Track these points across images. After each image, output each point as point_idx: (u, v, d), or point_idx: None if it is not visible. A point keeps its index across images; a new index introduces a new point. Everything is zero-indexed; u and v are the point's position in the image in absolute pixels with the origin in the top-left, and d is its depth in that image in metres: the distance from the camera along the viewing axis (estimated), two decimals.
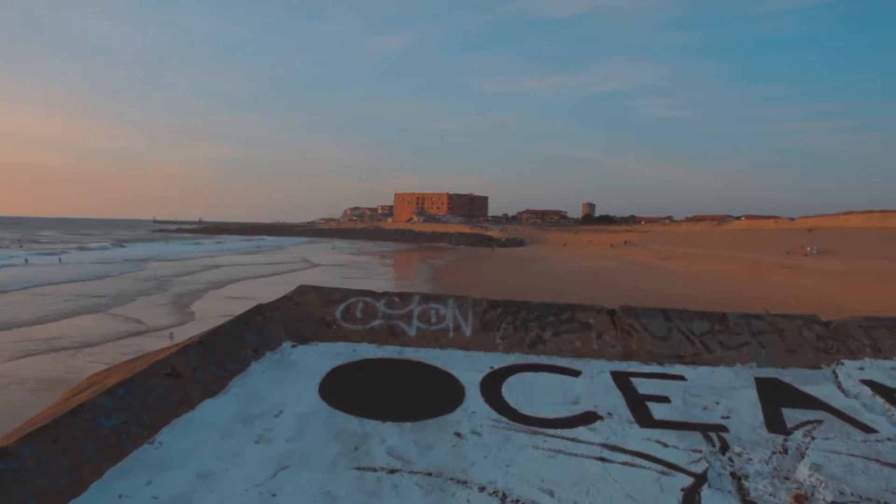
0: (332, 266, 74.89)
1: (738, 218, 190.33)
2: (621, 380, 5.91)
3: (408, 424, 4.92)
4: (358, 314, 6.43)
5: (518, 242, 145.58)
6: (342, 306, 6.50)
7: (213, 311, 34.96)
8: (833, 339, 6.67)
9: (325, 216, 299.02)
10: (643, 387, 5.77)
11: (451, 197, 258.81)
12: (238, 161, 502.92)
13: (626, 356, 6.32)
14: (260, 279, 56.92)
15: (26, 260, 70.14)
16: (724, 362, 6.37)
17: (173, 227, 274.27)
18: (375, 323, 6.34)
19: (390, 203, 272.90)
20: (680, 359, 6.34)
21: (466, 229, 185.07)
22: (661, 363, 6.30)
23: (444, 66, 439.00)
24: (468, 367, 5.91)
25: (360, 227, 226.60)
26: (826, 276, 54.44)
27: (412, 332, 6.32)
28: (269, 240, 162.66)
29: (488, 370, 5.90)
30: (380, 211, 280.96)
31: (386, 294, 6.69)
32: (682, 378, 6.05)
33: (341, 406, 5.15)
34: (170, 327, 28.95)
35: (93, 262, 71.47)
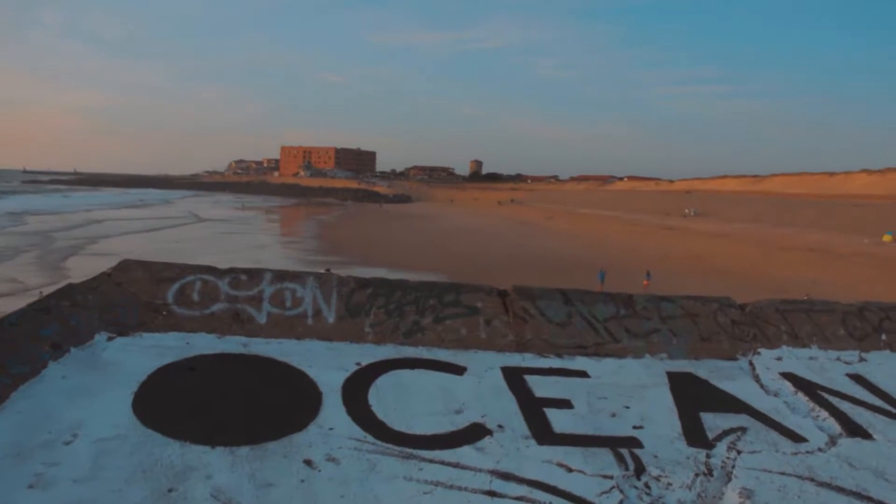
0: (218, 221, 71.94)
1: (621, 179, 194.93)
2: (514, 378, 4.90)
3: (244, 451, 3.74)
4: (195, 296, 5.12)
5: (406, 199, 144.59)
6: (176, 286, 5.17)
7: (94, 269, 32.54)
8: (749, 326, 5.87)
9: (208, 169, 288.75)
10: (540, 388, 4.77)
11: (338, 151, 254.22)
12: (116, 109, 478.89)
13: (520, 346, 5.31)
14: (145, 234, 53.92)
15: None
16: (632, 353, 5.46)
17: (46, 177, 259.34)
18: (217, 307, 5.05)
19: (276, 157, 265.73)
20: (582, 349, 5.38)
21: (354, 185, 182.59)
22: (560, 355, 5.32)
23: (329, 15, 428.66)
24: (329, 364, 4.77)
25: (246, 180, 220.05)
26: (702, 236, 55.96)
27: (262, 319, 5.08)
28: (154, 193, 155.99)
29: (354, 368, 4.76)
30: (266, 164, 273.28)
31: (231, 271, 5.36)
32: (584, 374, 5.10)
33: (160, 425, 3.91)
34: (46, 286, 26.73)
35: None
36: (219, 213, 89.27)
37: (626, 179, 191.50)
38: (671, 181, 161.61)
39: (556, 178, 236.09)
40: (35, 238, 47.21)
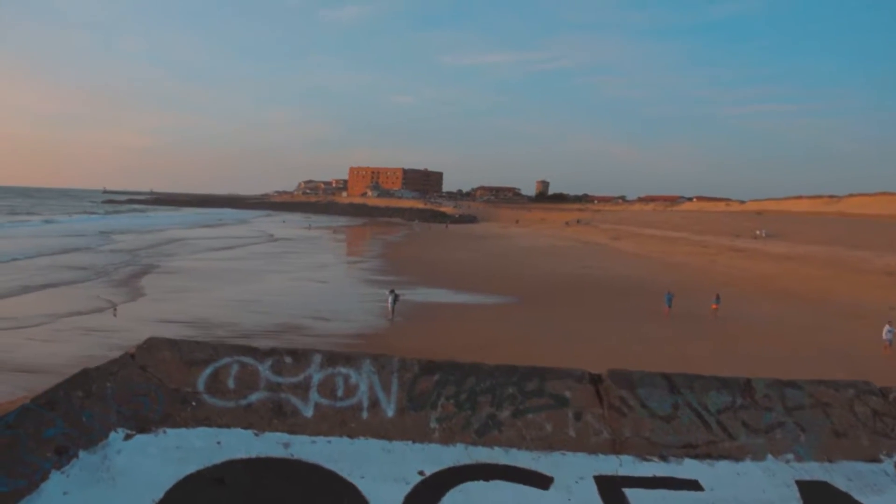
0: (288, 240, 72.25)
1: (689, 199, 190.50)
2: (611, 492, 3.93)
3: None
4: (231, 383, 4.26)
5: (471, 219, 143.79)
6: (209, 371, 4.33)
7: (172, 287, 33.07)
8: (894, 417, 4.76)
9: (278, 189, 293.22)
10: None
11: (406, 172, 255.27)
12: (189, 131, 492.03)
13: (617, 446, 4.33)
14: (223, 252, 54.32)
15: None
16: (752, 454, 4.42)
17: (124, 197, 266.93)
18: (255, 397, 4.17)
19: (345, 177, 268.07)
20: (691, 450, 4.37)
21: (421, 205, 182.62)
22: (664, 457, 4.32)
23: (401, 39, 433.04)
24: (386, 474, 3.87)
25: (314, 200, 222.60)
26: (774, 259, 53.62)
27: (308, 412, 4.19)
28: (230, 213, 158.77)
29: (416, 480, 3.84)
30: (334, 185, 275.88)
31: (273, 353, 4.49)
32: (696, 486, 4.10)
33: None
34: (125, 303, 26.83)
35: (64, 234, 68.11)
36: (288, 232, 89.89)
37: (694, 200, 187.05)
38: (741, 202, 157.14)
39: (622, 198, 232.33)
40: (124, 256, 47.89)
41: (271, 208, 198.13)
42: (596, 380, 4.75)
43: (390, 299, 27.06)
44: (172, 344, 4.58)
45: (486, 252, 65.21)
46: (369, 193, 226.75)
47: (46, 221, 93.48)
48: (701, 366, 19.45)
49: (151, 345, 4.57)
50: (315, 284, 36.89)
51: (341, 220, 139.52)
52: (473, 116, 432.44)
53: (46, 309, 26.18)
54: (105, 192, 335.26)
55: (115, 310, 25.85)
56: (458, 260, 55.27)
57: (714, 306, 30.03)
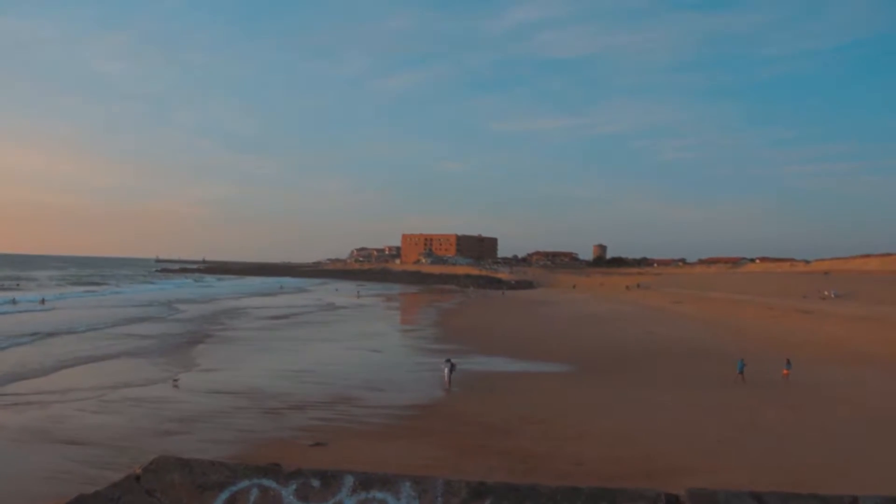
0: (342, 308, 72.45)
1: (752, 260, 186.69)
2: None
3: None
4: None
5: (528, 285, 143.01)
6: (223, 496, 3.89)
7: (229, 356, 33.29)
8: None
9: (331, 256, 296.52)
10: None
11: (459, 238, 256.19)
12: (241, 200, 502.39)
13: None
14: (276, 321, 54.59)
15: (43, 300, 68.51)
16: None
17: (176, 266, 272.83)
18: None
19: (398, 244, 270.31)
20: None
21: (475, 271, 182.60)
22: None
23: (450, 106, 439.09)
24: None
25: (367, 268, 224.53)
26: (845, 320, 51.66)
27: None
28: (284, 281, 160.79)
29: None
30: (387, 252, 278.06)
31: (298, 475, 4.02)
32: None
33: None
34: (182, 372, 26.82)
35: (129, 304, 69.69)
36: (340, 300, 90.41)
37: (757, 261, 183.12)
38: (806, 261, 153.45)
39: (682, 261, 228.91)
40: (183, 326, 48.49)
41: (324, 276, 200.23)
42: (672, 502, 4.19)
43: (446, 369, 26.59)
44: (184, 464, 4.16)
45: (544, 318, 64.42)
46: (423, 260, 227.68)
47: (111, 292, 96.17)
48: (776, 434, 18.51)
49: (160, 465, 4.16)
50: (369, 353, 36.62)
51: (395, 288, 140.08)
52: (527, 182, 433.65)
53: (101, 379, 26.48)
54: (158, 260, 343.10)
55: (177, 381, 25.79)
56: (516, 327, 54.62)
57: (785, 371, 28.87)
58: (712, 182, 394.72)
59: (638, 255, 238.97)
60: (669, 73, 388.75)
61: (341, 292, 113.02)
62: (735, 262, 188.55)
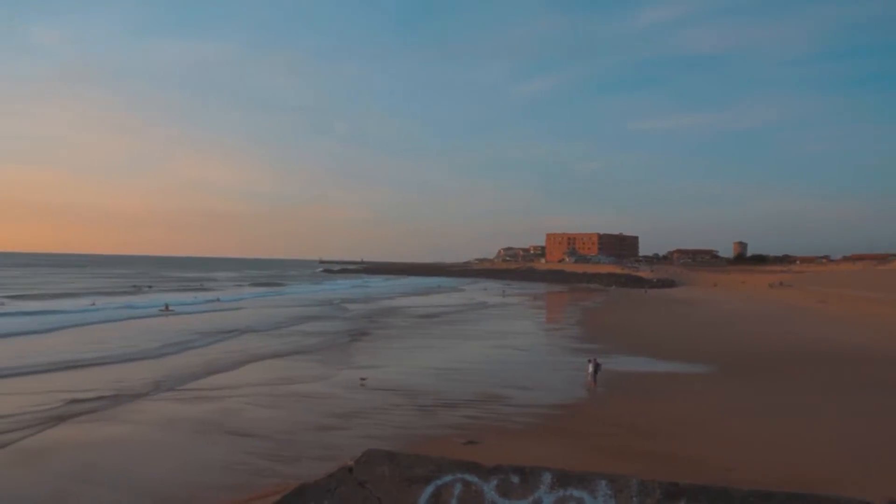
0: (490, 307, 72.51)
1: None
2: None
3: None
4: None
5: (669, 283, 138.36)
6: (430, 490, 3.75)
7: (384, 354, 33.86)
8: None
9: (479, 256, 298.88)
10: None
11: (601, 237, 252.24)
12: (394, 203, 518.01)
13: None
14: (429, 319, 55.34)
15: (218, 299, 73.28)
16: None
17: (337, 266, 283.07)
18: None
19: (542, 243, 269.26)
20: None
21: (617, 270, 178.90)
22: None
23: (588, 106, 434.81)
24: None
25: (514, 267, 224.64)
26: None
27: None
28: (438, 280, 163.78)
29: None
30: (532, 251, 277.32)
31: (498, 470, 3.78)
32: None
33: None
34: (342, 370, 27.47)
35: (297, 304, 73.36)
36: (488, 299, 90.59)
37: None
38: None
39: (826, 258, 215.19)
40: (347, 324, 49.98)
41: (473, 276, 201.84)
42: None
43: (590, 368, 25.78)
44: (391, 457, 4.07)
45: (687, 317, 61.85)
46: (566, 259, 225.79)
47: (285, 292, 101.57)
48: None
49: (370, 458, 4.09)
50: (515, 352, 36.20)
51: (540, 287, 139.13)
52: (665, 179, 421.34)
53: (272, 375, 27.61)
54: (321, 261, 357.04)
55: (364, 380, 26.02)
56: (659, 326, 52.68)
57: None
58: (857, 175, 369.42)
59: (779, 252, 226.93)
60: (810, 64, 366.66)
61: (489, 291, 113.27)
62: (882, 258, 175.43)
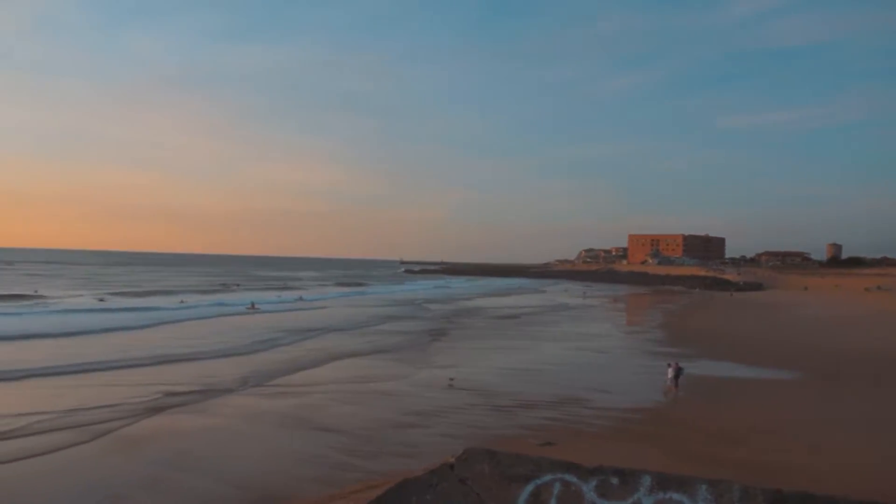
0: (570, 308, 72.04)
1: None
2: None
3: None
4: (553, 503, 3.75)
5: (756, 286, 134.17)
6: (529, 488, 3.80)
7: (462, 354, 34.03)
8: None
9: (559, 257, 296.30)
10: None
11: (686, 238, 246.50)
12: (474, 203, 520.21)
13: None
14: (508, 320, 55.46)
15: (300, 298, 75.14)
16: None
17: (417, 267, 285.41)
18: None
19: (624, 244, 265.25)
20: None
21: (702, 272, 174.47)
22: None
23: (674, 104, 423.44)
24: None
25: (594, 269, 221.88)
26: None
27: None
28: (518, 282, 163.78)
29: None
30: (614, 252, 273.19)
31: (597, 471, 3.86)
32: None
33: None
34: (421, 368, 27.89)
35: (381, 304, 74.81)
36: (569, 300, 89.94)
37: None
38: None
39: None
40: (428, 324, 50.62)
41: (553, 277, 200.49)
42: None
43: (670, 372, 25.38)
44: (491, 456, 4.18)
45: (774, 322, 59.90)
46: (649, 261, 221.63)
47: (369, 292, 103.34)
48: None
49: (470, 456, 4.20)
50: (595, 354, 35.86)
51: (621, 289, 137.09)
52: (754, 179, 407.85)
53: (354, 373, 28.18)
54: (402, 262, 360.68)
55: (452, 380, 26.25)
56: (744, 330, 51.22)
57: None
58: None
59: (877, 255, 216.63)
60: None
61: (569, 293, 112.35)
62: None
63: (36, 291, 74.30)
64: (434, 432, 18.43)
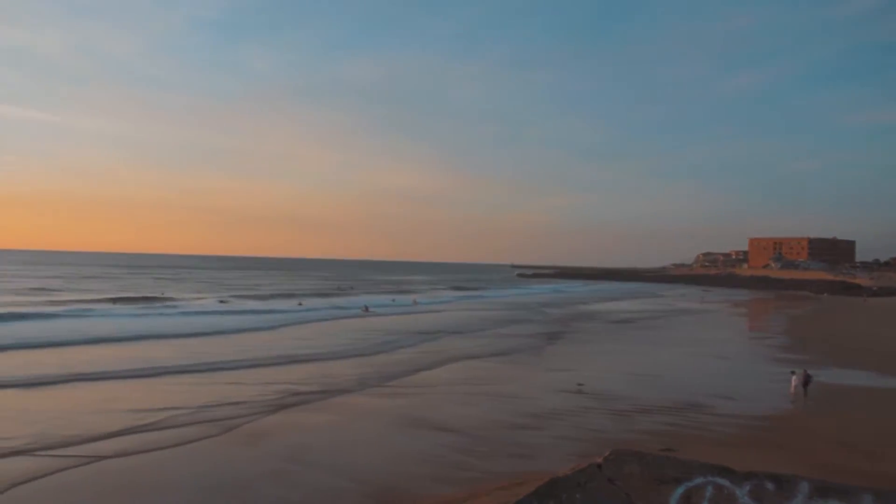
0: (688, 313, 69.95)
1: None
2: None
3: None
4: None
5: (892, 291, 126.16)
6: (680, 491, 3.78)
7: (580, 358, 33.53)
8: None
9: (676, 261, 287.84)
10: None
11: (811, 242, 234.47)
12: (587, 206, 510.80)
13: None
14: (625, 325, 54.58)
15: (415, 301, 76.73)
16: None
17: (530, 271, 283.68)
18: None
19: (744, 248, 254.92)
20: None
21: (829, 276, 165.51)
22: None
23: (799, 101, 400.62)
24: None
25: (713, 273, 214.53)
26: None
27: None
28: (635, 286, 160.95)
29: None
30: (733, 256, 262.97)
31: (751, 476, 3.74)
32: None
33: None
34: (538, 371, 27.84)
35: (497, 308, 75.35)
36: (687, 305, 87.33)
37: None
38: None
39: None
40: (546, 327, 50.46)
41: (669, 281, 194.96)
42: None
43: (794, 380, 24.23)
44: (640, 457, 4.20)
45: None
46: (772, 265, 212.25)
47: (485, 295, 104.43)
48: None
49: (618, 457, 4.23)
50: (715, 360, 34.65)
51: (741, 294, 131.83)
52: (887, 178, 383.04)
53: (469, 375, 28.51)
54: (514, 266, 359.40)
55: (581, 385, 26.03)
56: (880, 339, 48.21)
57: None
58: None
59: None
60: None
61: (687, 297, 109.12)
62: None
63: (163, 294, 78.45)
64: (550, 434, 18.33)
